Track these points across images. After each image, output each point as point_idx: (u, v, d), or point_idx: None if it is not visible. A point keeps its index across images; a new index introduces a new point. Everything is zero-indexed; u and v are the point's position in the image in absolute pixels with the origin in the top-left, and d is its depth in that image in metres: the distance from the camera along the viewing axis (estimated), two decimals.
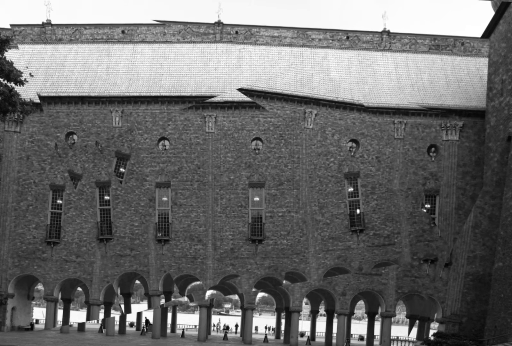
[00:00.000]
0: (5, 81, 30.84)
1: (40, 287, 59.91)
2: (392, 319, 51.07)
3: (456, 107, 47.21)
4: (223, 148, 47.62)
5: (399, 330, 70.98)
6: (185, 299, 52.13)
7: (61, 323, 55.04)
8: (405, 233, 46.87)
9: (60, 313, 55.17)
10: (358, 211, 47.50)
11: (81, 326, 54.22)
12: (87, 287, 48.91)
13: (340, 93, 47.63)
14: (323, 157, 47.43)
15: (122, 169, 47.93)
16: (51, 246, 47.60)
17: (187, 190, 47.51)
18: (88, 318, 54.19)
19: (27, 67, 34.27)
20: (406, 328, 61.91)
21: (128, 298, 55.36)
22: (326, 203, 47.31)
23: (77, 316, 71.31)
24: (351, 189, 47.71)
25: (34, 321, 57.49)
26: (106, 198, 47.97)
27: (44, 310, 52.66)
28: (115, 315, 58.12)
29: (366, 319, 61.11)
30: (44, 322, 53.22)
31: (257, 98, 46.88)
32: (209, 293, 54.21)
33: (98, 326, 55.48)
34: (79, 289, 56.25)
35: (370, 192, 47.40)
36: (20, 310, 50.33)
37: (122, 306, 56.67)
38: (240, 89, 46.68)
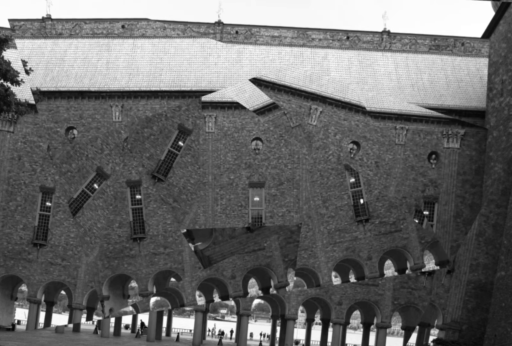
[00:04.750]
0: (1, 81, 30.56)
1: (24, 288, 58.81)
2: (388, 330, 50.24)
3: (456, 107, 47.36)
4: (223, 148, 47.21)
5: (394, 342, 69.93)
6: (130, 308, 51.77)
7: (42, 325, 54.10)
8: (410, 218, 46.58)
9: (42, 315, 53.97)
10: (361, 201, 47.01)
11: (76, 326, 53.04)
12: (71, 291, 47.92)
13: (348, 94, 47.56)
14: (321, 151, 47.10)
15: (180, 143, 47.25)
16: (38, 247, 46.84)
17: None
18: (69, 322, 53.16)
19: (25, 63, 33.93)
20: (401, 339, 61.04)
21: None
22: (329, 196, 46.82)
23: (59, 319, 69.36)
24: (352, 180, 47.35)
25: (16, 321, 56.39)
26: (138, 197, 47.35)
27: (27, 311, 51.60)
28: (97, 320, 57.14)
29: (362, 329, 60.24)
30: (25, 323, 52.09)
31: (264, 89, 46.62)
32: (153, 300, 53.59)
33: (93, 327, 54.74)
34: (63, 292, 55.09)
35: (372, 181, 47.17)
36: (2, 310, 49.39)
37: (106, 311, 55.76)
38: (250, 79, 46.46)
